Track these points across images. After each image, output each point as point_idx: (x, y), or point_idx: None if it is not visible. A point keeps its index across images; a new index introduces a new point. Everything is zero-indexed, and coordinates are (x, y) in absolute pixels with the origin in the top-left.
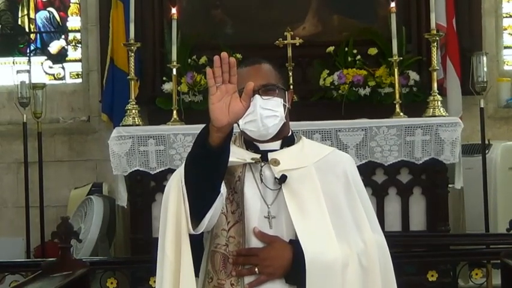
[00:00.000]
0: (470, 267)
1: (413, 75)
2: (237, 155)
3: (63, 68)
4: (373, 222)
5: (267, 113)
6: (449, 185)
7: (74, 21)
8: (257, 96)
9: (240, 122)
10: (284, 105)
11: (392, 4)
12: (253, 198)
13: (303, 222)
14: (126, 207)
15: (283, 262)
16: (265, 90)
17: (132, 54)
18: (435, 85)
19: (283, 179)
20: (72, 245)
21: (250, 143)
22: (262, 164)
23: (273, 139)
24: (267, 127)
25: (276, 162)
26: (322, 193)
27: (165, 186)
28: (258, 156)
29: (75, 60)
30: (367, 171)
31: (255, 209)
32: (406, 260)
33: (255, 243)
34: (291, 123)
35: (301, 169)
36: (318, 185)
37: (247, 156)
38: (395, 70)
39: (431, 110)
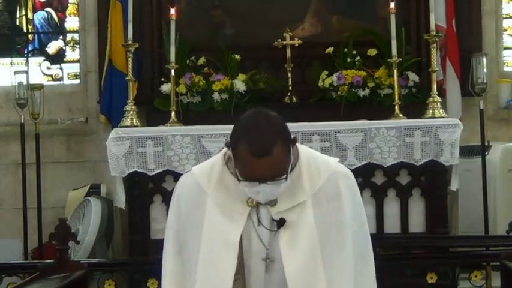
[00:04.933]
0: (469, 269)
1: (413, 77)
2: (232, 197)
3: (61, 68)
4: (366, 260)
5: (273, 195)
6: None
7: (72, 22)
8: (264, 184)
9: (240, 186)
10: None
11: (392, 5)
12: (251, 241)
13: (296, 275)
14: (124, 208)
15: None
16: (275, 179)
17: (131, 55)
18: (435, 86)
19: (281, 222)
20: (70, 247)
21: None
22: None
23: None
24: (269, 200)
25: (273, 202)
26: (317, 228)
27: (163, 187)
28: (253, 203)
29: (73, 61)
30: (366, 172)
31: (252, 251)
32: (405, 261)
33: None
34: (289, 124)
35: (297, 206)
36: (313, 224)
37: (242, 197)
38: (395, 71)
39: (431, 111)
